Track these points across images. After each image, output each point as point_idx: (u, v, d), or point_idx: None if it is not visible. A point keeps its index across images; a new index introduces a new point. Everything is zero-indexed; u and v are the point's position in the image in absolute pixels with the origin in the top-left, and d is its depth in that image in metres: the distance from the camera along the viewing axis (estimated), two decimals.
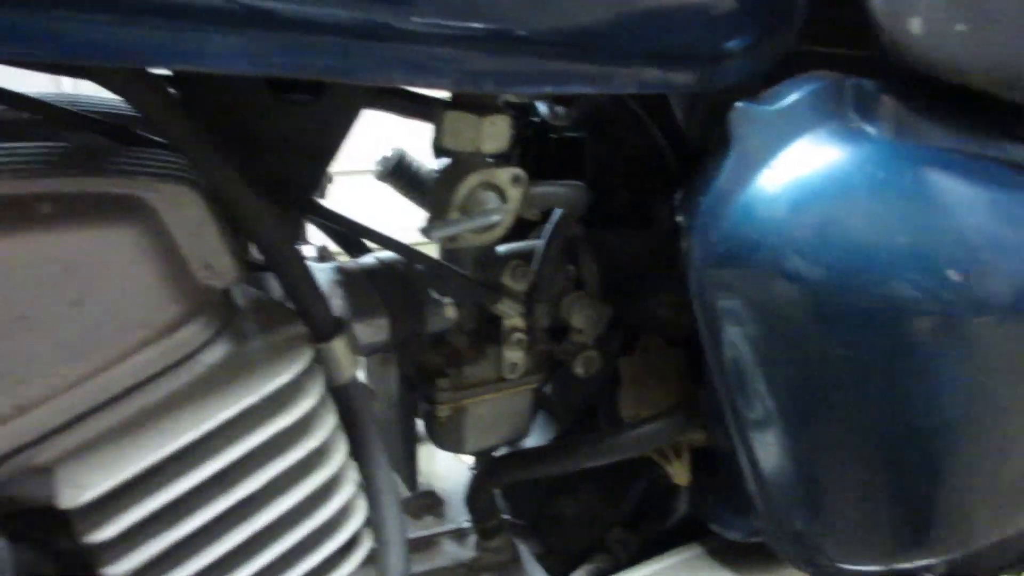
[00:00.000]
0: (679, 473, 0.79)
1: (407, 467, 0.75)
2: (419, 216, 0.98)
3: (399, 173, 0.96)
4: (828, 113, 0.57)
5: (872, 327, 0.56)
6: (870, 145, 0.57)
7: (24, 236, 0.41)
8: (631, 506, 0.90)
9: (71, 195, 0.43)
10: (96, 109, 0.61)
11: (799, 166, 0.56)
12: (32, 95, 0.56)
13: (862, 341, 0.57)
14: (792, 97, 0.57)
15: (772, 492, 0.69)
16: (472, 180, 0.50)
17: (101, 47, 0.36)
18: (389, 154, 0.96)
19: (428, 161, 0.96)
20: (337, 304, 0.63)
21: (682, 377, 0.80)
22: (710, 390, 0.75)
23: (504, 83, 0.44)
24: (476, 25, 0.42)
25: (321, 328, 0.50)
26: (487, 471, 0.81)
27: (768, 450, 0.66)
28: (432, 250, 0.73)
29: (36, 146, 0.48)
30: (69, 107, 0.56)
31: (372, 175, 0.93)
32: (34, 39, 0.35)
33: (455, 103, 0.51)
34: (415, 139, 0.93)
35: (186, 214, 0.45)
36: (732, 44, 0.56)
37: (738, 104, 0.57)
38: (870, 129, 0.57)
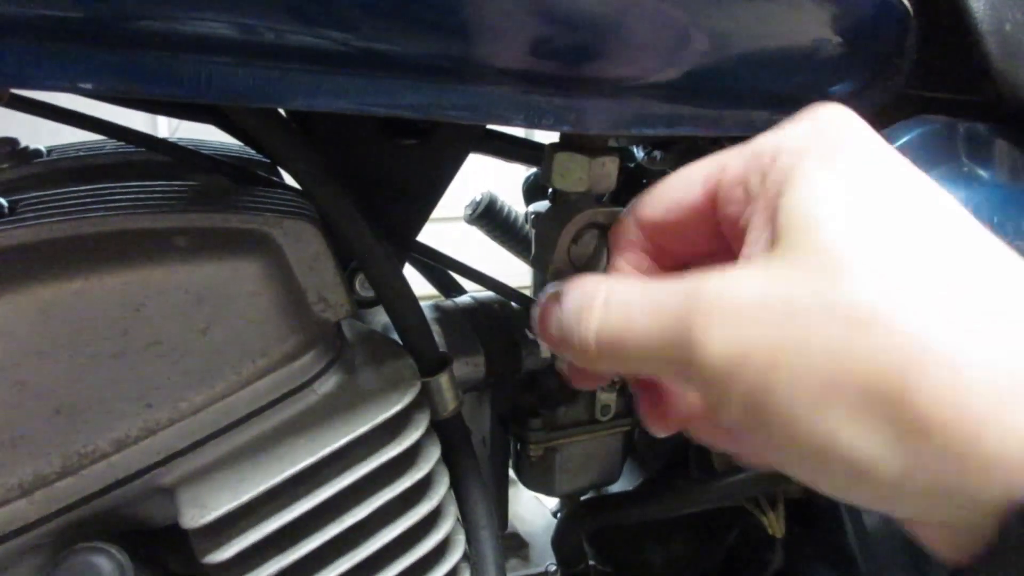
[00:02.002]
0: (774, 524, 0.77)
1: (499, 507, 0.75)
2: (504, 260, 1.00)
3: (489, 216, 0.98)
4: (939, 157, 0.56)
5: None
6: (984, 189, 0.55)
7: (161, 266, 0.43)
8: (723, 557, 0.87)
9: (203, 229, 0.45)
10: (219, 152, 0.65)
11: None
12: (164, 139, 0.59)
13: None
14: (901, 141, 0.56)
15: (875, 548, 0.66)
16: (579, 220, 0.51)
17: (240, 88, 0.38)
18: (478, 197, 0.99)
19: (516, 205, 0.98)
20: (436, 342, 0.64)
21: None
22: None
23: (617, 126, 0.45)
24: (592, 69, 0.43)
25: (427, 362, 0.52)
26: (574, 515, 0.80)
27: None
28: (528, 291, 0.73)
29: (169, 185, 0.52)
30: (196, 149, 0.60)
31: (462, 220, 0.95)
32: (174, 80, 0.37)
33: (564, 144, 0.52)
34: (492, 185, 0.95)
35: (305, 248, 0.47)
36: (840, 87, 0.56)
37: None
38: (983, 173, 0.56)
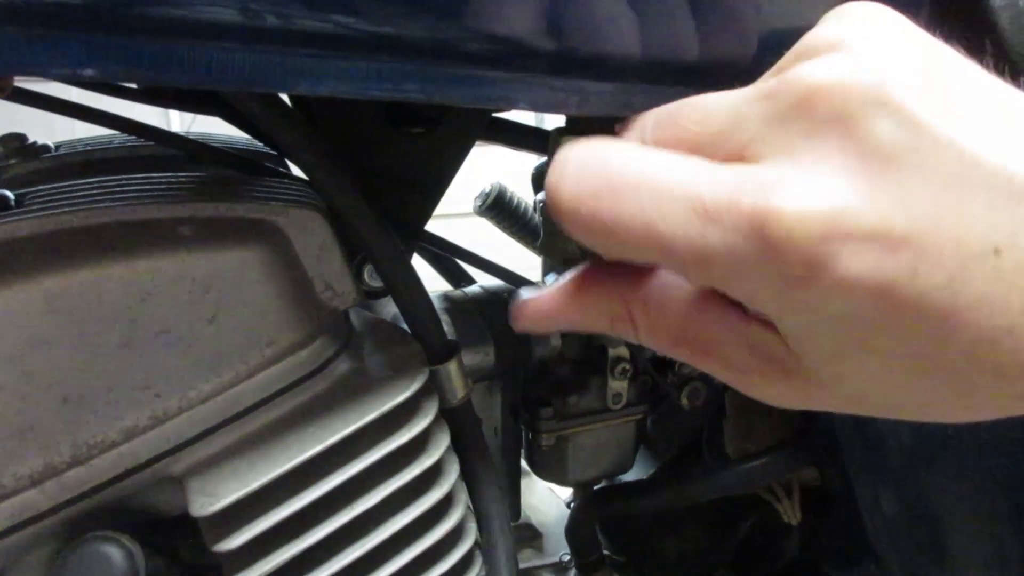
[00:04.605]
0: (789, 512, 0.76)
1: (511, 496, 0.75)
2: (512, 257, 1.00)
3: (499, 207, 0.98)
4: None
5: None
6: None
7: (168, 255, 0.43)
8: (737, 545, 0.87)
9: (209, 219, 0.45)
10: (226, 145, 0.65)
11: None
12: (171, 131, 0.59)
13: None
14: None
15: (894, 535, 0.65)
16: None
17: (242, 73, 0.38)
18: (487, 189, 0.98)
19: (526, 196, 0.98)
20: (445, 331, 0.64)
21: (792, 412, 0.77)
22: (824, 426, 0.72)
23: (622, 108, 0.45)
24: (596, 50, 0.42)
25: (436, 350, 0.51)
26: (588, 504, 0.80)
27: (890, 491, 0.63)
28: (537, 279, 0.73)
29: (175, 176, 0.52)
30: (204, 142, 0.60)
31: (470, 215, 0.95)
32: (176, 66, 0.37)
33: (569, 129, 0.52)
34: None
35: (312, 238, 0.47)
36: None
37: None
38: None
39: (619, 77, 0.45)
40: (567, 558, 0.83)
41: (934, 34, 0.27)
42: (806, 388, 0.27)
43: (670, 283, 0.29)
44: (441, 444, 0.49)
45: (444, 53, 0.40)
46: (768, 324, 0.26)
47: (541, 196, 0.70)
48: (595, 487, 0.82)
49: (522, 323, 0.32)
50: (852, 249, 0.22)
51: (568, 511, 0.90)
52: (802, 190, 0.22)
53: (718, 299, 0.27)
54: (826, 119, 0.23)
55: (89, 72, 0.35)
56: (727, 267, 0.23)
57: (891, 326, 0.23)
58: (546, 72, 0.43)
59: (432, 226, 0.65)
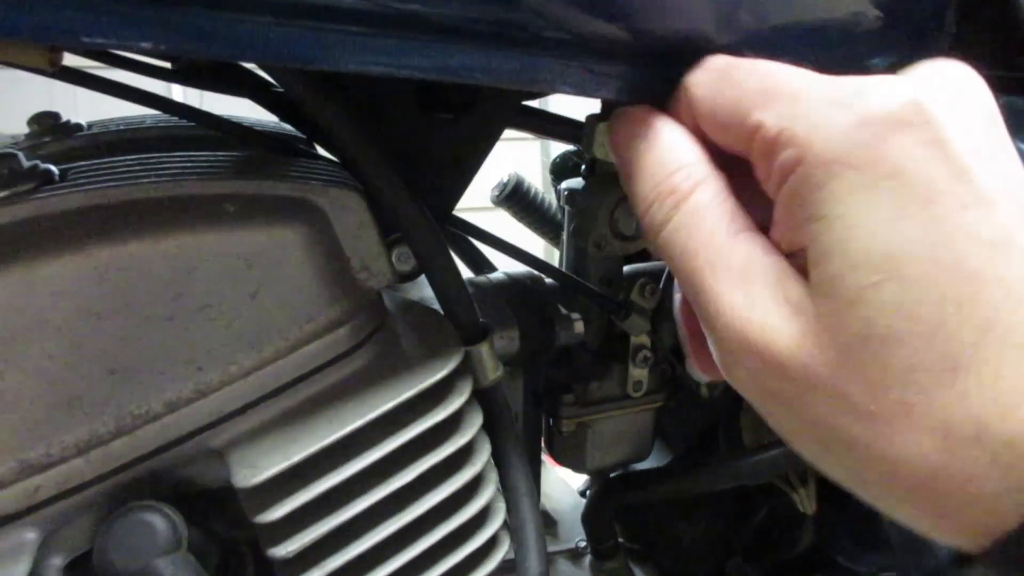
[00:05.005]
0: (804, 502, 0.77)
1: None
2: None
3: (515, 198, 0.98)
4: None
5: None
6: None
7: (213, 231, 0.44)
8: (752, 534, 0.87)
9: (252, 196, 0.46)
10: (257, 127, 0.66)
11: None
12: (210, 112, 0.60)
13: None
14: None
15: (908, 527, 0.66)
16: (621, 190, 0.52)
17: (295, 49, 0.38)
18: (505, 179, 0.99)
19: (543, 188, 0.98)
20: (476, 310, 0.65)
21: None
22: None
23: (664, 94, 0.45)
24: (637, 37, 0.43)
25: (469, 331, 0.52)
26: (605, 491, 0.80)
27: None
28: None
29: (215, 155, 0.52)
30: (237, 122, 0.61)
31: (483, 210, 0.95)
32: (231, 41, 0.37)
33: (606, 115, 0.52)
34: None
35: (350, 217, 0.48)
36: (875, 61, 0.55)
37: None
38: None
39: (658, 64, 0.45)
40: (583, 544, 0.84)
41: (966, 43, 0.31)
42: (804, 339, 0.27)
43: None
44: (474, 424, 0.50)
45: (486, 35, 0.41)
46: (798, 265, 0.28)
47: (565, 184, 0.70)
48: (611, 474, 0.83)
49: (617, 115, 0.38)
50: (924, 136, 0.25)
51: (581, 500, 0.91)
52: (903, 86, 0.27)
53: (760, 233, 0.30)
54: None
55: (147, 44, 0.35)
56: (815, 101, 0.27)
57: (922, 253, 0.24)
58: (588, 56, 0.43)
59: None
